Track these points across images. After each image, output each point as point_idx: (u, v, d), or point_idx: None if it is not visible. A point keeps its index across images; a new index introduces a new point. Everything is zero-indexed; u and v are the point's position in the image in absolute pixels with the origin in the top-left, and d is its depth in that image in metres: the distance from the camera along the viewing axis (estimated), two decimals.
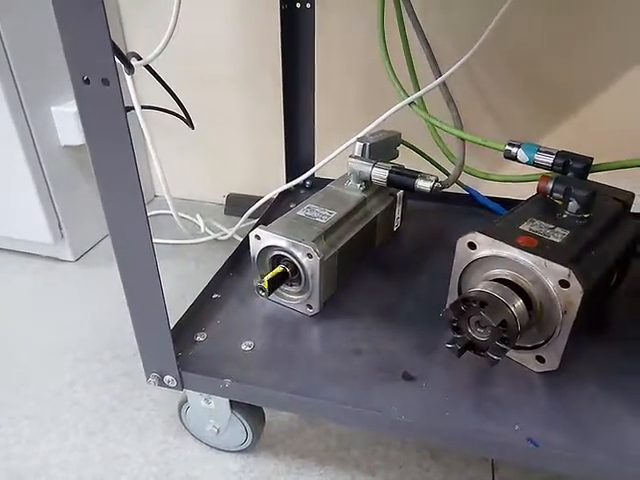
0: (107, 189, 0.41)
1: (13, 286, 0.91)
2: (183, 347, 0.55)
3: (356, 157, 0.67)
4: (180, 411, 0.61)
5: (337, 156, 0.75)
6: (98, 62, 0.35)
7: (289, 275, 0.57)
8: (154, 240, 0.44)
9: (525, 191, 0.62)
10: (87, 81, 0.35)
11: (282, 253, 0.58)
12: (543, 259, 0.47)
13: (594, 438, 0.46)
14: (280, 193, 0.84)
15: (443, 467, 0.60)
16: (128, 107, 0.68)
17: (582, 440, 0.46)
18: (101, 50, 0.34)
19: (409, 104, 0.72)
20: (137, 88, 0.68)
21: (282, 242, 0.57)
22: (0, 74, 0.77)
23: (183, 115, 0.83)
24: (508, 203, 0.79)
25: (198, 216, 1.02)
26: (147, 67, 0.70)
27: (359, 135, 0.71)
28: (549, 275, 0.46)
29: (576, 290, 0.45)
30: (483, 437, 0.47)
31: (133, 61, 0.61)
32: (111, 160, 0.40)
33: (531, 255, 0.47)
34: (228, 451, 0.62)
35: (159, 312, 0.49)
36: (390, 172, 0.63)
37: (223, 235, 0.99)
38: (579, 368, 0.52)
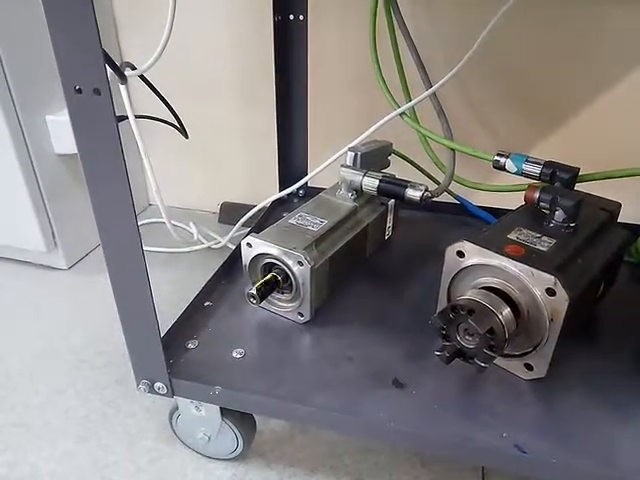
0: (98, 198, 0.42)
1: (6, 293, 0.91)
2: (174, 354, 0.55)
3: (347, 166, 0.68)
4: (171, 419, 0.61)
5: (330, 165, 0.76)
6: (90, 72, 0.35)
7: (280, 283, 0.58)
8: (148, 248, 0.45)
9: (515, 201, 0.63)
10: (79, 91, 0.36)
11: (273, 261, 0.58)
12: (530, 267, 0.47)
13: (581, 445, 0.46)
14: (273, 202, 0.85)
15: (433, 475, 0.60)
16: (122, 116, 0.68)
17: (569, 447, 0.46)
18: (92, 60, 0.35)
19: (400, 114, 0.73)
20: (133, 97, 0.69)
21: (273, 250, 0.57)
22: None
23: (177, 124, 0.84)
24: (498, 212, 0.80)
25: (192, 224, 1.03)
26: (141, 77, 0.70)
27: (351, 145, 0.72)
28: (536, 283, 0.47)
29: (562, 298, 0.46)
30: (471, 444, 0.47)
31: (127, 71, 0.62)
32: (102, 169, 0.40)
33: (518, 263, 0.48)
34: (219, 459, 0.62)
35: (149, 320, 0.49)
36: (380, 181, 0.64)
37: (216, 243, 0.99)
38: (567, 376, 0.53)
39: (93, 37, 0.35)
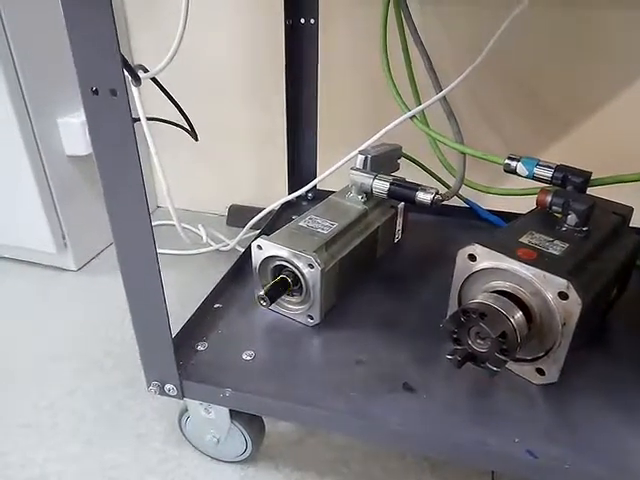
0: (113, 198, 0.42)
1: (15, 294, 0.91)
2: (184, 356, 0.55)
3: (357, 169, 0.68)
4: (180, 421, 0.61)
5: (339, 168, 0.76)
6: (107, 73, 0.36)
7: (290, 285, 0.58)
8: (157, 250, 0.45)
9: (525, 205, 0.63)
10: (96, 92, 0.36)
11: (284, 263, 0.58)
12: (542, 271, 0.47)
13: (593, 451, 0.46)
14: (282, 204, 0.85)
15: None
16: (134, 119, 0.69)
17: (581, 453, 0.46)
18: (110, 62, 0.35)
19: (410, 118, 0.73)
20: (142, 100, 0.69)
21: (284, 252, 0.57)
22: (8, 85, 0.78)
23: (188, 127, 0.84)
24: (508, 216, 0.80)
25: (200, 227, 1.03)
26: (153, 80, 0.71)
27: (361, 148, 0.72)
28: (548, 287, 0.47)
29: (575, 302, 0.46)
30: (482, 449, 0.47)
31: (140, 73, 0.62)
32: (118, 170, 0.40)
33: (530, 267, 0.48)
34: (227, 462, 0.62)
35: (161, 321, 0.49)
36: (391, 184, 0.64)
37: (225, 246, 0.99)
38: (579, 381, 0.52)
39: (111, 38, 0.35)
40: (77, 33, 0.35)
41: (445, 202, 0.72)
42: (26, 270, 0.97)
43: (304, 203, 0.89)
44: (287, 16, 0.77)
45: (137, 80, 0.50)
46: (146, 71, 0.65)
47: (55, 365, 0.76)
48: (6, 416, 0.68)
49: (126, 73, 0.48)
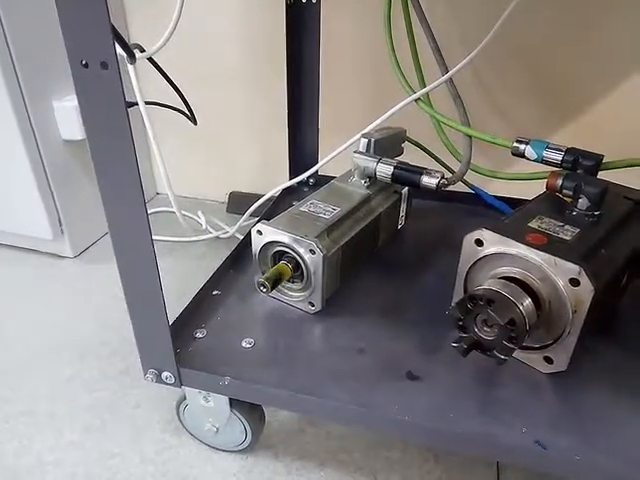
0: (106, 178, 0.40)
1: (12, 281, 0.90)
2: (182, 343, 0.54)
3: (361, 152, 0.66)
4: (178, 409, 0.60)
5: (341, 154, 0.74)
6: (97, 45, 0.34)
7: (291, 271, 0.56)
8: (155, 237, 0.43)
9: (530, 192, 0.61)
10: (86, 65, 0.34)
11: (284, 249, 0.56)
12: (553, 257, 0.45)
13: (602, 441, 0.44)
14: (283, 190, 0.83)
15: (446, 470, 0.59)
16: (131, 103, 0.67)
17: (590, 443, 0.44)
18: (100, 33, 0.33)
19: (415, 100, 0.71)
20: (140, 85, 0.67)
21: (284, 237, 0.56)
22: (2, 68, 0.76)
23: (186, 111, 0.82)
24: (514, 202, 0.78)
25: (200, 214, 1.01)
26: (150, 60, 0.69)
27: (364, 131, 0.70)
28: (559, 273, 0.45)
29: (587, 289, 0.44)
30: (489, 439, 0.45)
31: (136, 53, 0.60)
32: (110, 150, 0.39)
33: (540, 252, 0.46)
34: (227, 451, 0.61)
35: (158, 308, 0.48)
36: (395, 168, 0.62)
37: (225, 233, 0.98)
38: (588, 370, 0.51)
39: (101, 10, 0.33)
40: (66, 4, 0.33)
41: (449, 188, 0.70)
42: (23, 257, 0.96)
43: (305, 189, 0.87)
44: None
45: (132, 57, 0.48)
46: (142, 51, 0.63)
47: (52, 353, 0.75)
48: (3, 404, 0.67)
49: (120, 50, 0.46)
